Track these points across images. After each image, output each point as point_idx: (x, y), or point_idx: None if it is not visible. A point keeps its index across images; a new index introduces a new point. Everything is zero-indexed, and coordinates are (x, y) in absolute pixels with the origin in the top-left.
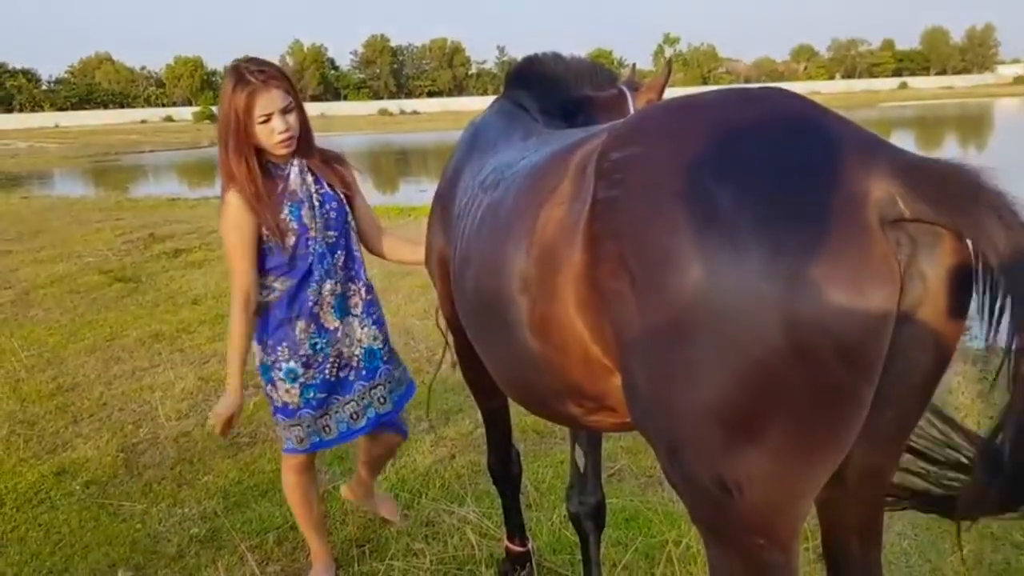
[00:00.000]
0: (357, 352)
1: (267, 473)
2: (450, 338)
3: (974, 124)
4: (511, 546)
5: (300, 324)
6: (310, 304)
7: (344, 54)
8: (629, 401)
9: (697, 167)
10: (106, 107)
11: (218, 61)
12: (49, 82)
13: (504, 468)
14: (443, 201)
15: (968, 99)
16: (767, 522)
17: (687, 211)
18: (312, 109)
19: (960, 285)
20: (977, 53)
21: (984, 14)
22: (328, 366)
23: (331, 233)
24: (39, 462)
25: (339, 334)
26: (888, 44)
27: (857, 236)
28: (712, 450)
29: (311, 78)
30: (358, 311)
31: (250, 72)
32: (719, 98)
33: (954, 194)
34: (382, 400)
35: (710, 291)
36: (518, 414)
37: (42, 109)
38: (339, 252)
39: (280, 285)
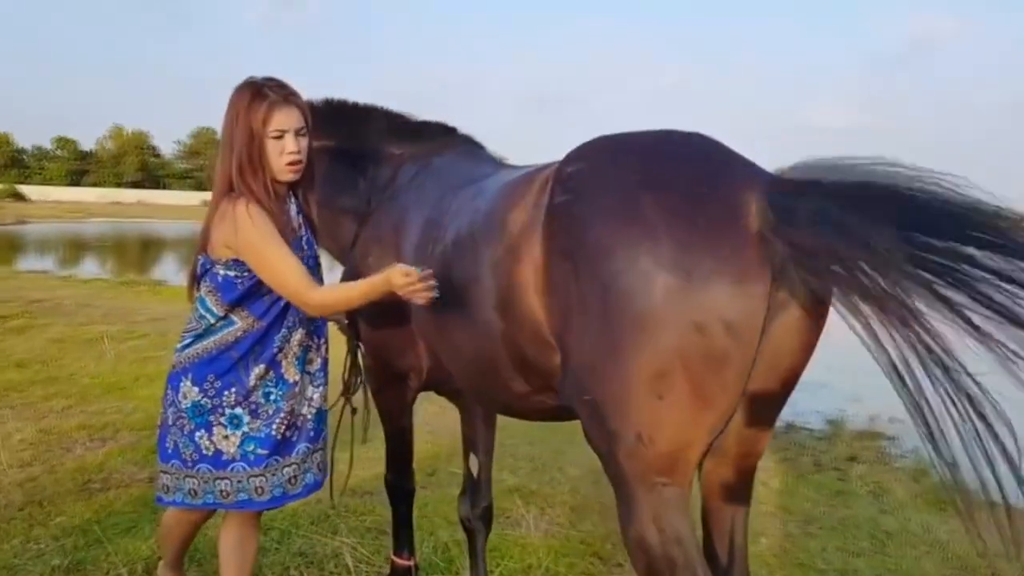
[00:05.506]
0: (306, 412)
1: (126, 515)
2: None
3: None
4: (398, 560)
5: (257, 370)
6: (274, 350)
7: (167, 142)
8: (564, 374)
9: (628, 180)
10: None
11: (27, 140)
12: None
13: (402, 483)
14: (396, 233)
15: None
16: (670, 465)
17: (618, 213)
18: (130, 196)
19: (817, 291)
20: None
21: None
22: (277, 421)
23: None
24: None
25: (296, 388)
26: None
27: (739, 243)
28: (633, 408)
29: (130, 164)
30: (313, 369)
31: (270, 87)
32: (652, 133)
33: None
34: (320, 467)
35: (633, 277)
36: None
37: None
38: None
39: (246, 323)
